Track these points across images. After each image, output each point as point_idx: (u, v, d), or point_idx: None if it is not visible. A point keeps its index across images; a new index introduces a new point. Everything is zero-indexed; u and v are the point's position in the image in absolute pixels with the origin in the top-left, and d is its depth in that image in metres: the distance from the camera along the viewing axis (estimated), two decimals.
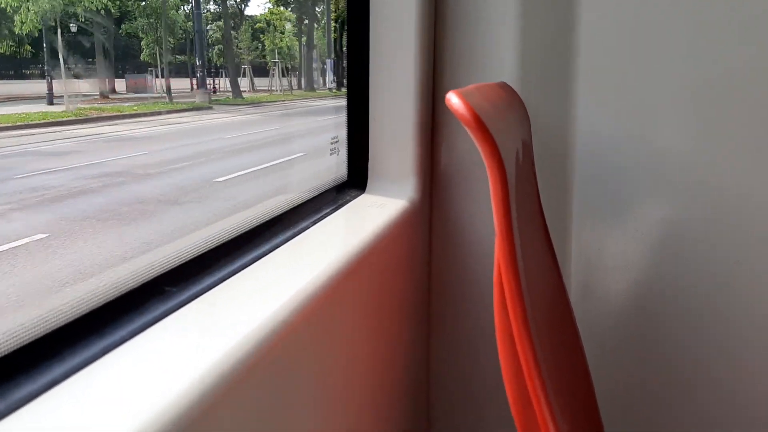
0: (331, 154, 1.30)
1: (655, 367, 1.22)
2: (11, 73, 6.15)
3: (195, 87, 10.03)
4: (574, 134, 1.19)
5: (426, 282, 1.31)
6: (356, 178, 1.22)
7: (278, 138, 8.25)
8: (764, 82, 1.09)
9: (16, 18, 5.02)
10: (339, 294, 0.84)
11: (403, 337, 1.22)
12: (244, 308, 0.71)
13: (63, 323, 0.57)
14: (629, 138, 1.17)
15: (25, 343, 0.54)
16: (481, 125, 0.63)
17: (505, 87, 1.09)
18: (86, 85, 7.05)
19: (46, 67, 5.73)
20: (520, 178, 0.85)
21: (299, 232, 0.97)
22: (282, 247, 0.90)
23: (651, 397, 1.23)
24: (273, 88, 13.70)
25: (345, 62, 1.24)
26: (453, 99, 0.64)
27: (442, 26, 1.23)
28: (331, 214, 1.08)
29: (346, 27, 1.24)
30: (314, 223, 1.00)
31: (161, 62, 8.92)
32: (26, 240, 2.96)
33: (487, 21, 1.21)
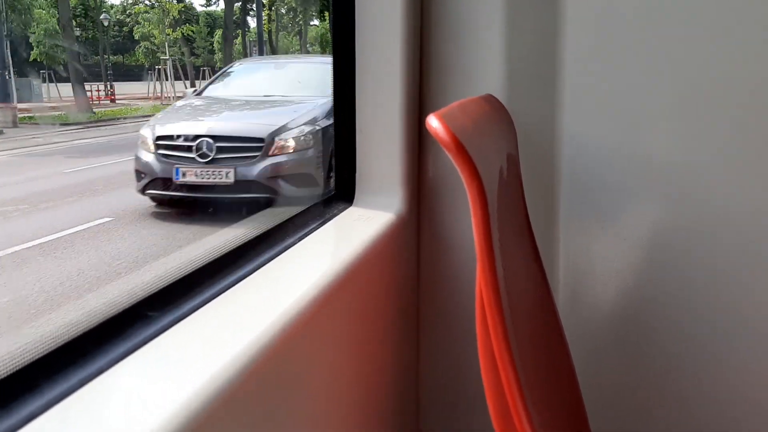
0: None
1: (643, 373, 1.23)
2: None
3: None
4: (560, 143, 1.20)
5: (414, 293, 1.31)
6: (343, 191, 1.22)
7: None
8: (749, 87, 1.09)
9: None
10: (326, 310, 0.84)
11: (392, 350, 1.22)
12: (228, 329, 0.71)
13: (40, 355, 0.57)
14: (615, 146, 1.17)
15: (2, 376, 0.54)
16: (460, 149, 0.63)
17: (490, 100, 1.09)
18: None
19: None
20: (503, 193, 0.85)
21: (286, 248, 0.97)
22: (268, 264, 0.90)
23: (640, 403, 1.23)
24: (155, 94, 10.12)
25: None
26: (433, 122, 0.64)
27: (428, 38, 1.23)
28: (318, 228, 1.08)
29: (331, 38, 1.24)
30: (301, 238, 1.01)
31: None
32: None
33: (473, 32, 1.21)
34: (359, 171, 1.22)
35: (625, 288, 1.21)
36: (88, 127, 7.28)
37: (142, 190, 4.50)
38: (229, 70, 6.82)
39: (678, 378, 1.20)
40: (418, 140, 1.25)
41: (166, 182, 4.48)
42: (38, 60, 7.70)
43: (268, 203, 4.37)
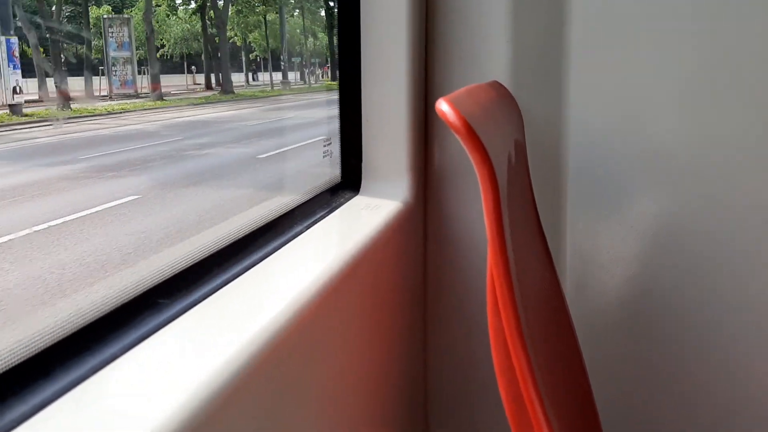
0: None
1: (650, 361, 1.23)
2: None
3: None
4: (566, 131, 1.19)
5: (421, 283, 1.31)
6: (350, 180, 1.22)
7: None
8: (755, 75, 1.08)
9: None
10: (333, 299, 0.84)
11: (400, 340, 1.22)
12: (237, 318, 0.71)
13: (53, 341, 0.57)
14: (622, 134, 1.17)
15: (17, 362, 0.54)
16: (471, 133, 0.63)
17: (497, 86, 1.09)
18: None
19: None
20: (512, 179, 0.85)
21: (293, 237, 0.96)
22: (276, 253, 0.90)
23: (648, 390, 1.23)
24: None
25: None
26: (443, 106, 0.64)
27: (433, 24, 1.23)
28: (325, 217, 1.07)
29: (336, 27, 1.23)
30: (308, 227, 1.00)
31: None
32: None
33: (479, 19, 1.20)
34: (365, 159, 1.22)
35: (632, 276, 1.20)
36: None
37: None
38: None
39: (685, 365, 1.20)
40: (424, 128, 1.25)
41: None
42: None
43: None
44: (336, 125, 1.23)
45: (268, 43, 14.48)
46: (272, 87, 14.16)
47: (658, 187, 1.17)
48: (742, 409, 1.18)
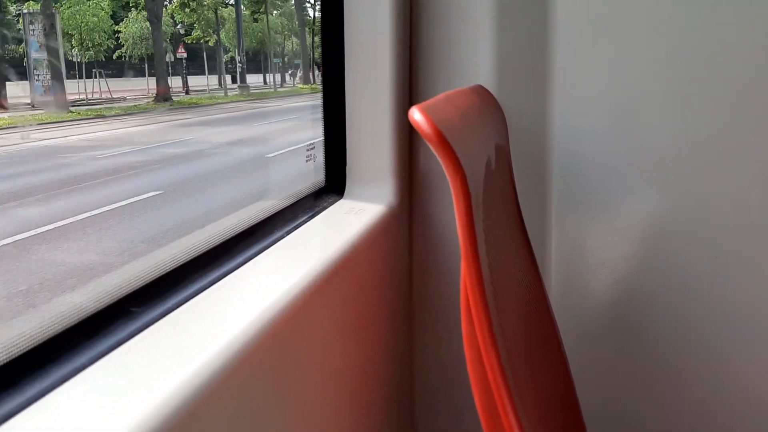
0: None
1: (637, 363, 1.23)
2: None
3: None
4: (551, 134, 1.19)
5: (407, 287, 1.31)
6: (334, 183, 1.22)
7: None
8: (742, 79, 1.08)
9: None
10: (316, 304, 0.84)
11: (385, 343, 1.22)
12: (213, 324, 0.71)
13: (21, 352, 0.57)
14: (608, 136, 1.16)
15: None
16: (443, 142, 0.62)
17: (479, 91, 1.08)
18: None
19: None
20: (491, 185, 0.85)
21: (274, 242, 0.96)
22: (256, 258, 0.90)
23: (633, 391, 1.23)
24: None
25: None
26: (416, 115, 0.63)
27: (417, 29, 1.22)
28: (308, 221, 1.07)
29: (320, 29, 1.23)
30: (290, 232, 1.00)
31: None
32: None
33: (462, 23, 1.20)
34: (350, 163, 1.21)
35: (618, 279, 1.20)
36: None
37: None
38: None
39: (671, 368, 1.20)
40: (409, 132, 1.25)
41: None
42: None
43: None
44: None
45: (241, 44, 13.58)
46: (226, 92, 12.38)
47: (644, 190, 1.17)
48: (727, 410, 1.18)
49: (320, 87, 1.25)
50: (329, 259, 0.90)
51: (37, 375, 0.55)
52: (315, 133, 1.27)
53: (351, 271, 0.98)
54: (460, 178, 0.63)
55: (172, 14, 11.15)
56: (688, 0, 1.08)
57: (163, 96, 9.03)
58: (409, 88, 1.24)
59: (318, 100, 1.24)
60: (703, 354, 1.17)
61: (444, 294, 1.29)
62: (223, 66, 13.88)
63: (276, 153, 6.98)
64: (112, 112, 8.42)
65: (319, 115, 1.24)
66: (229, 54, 14.40)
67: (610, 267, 1.20)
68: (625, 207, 1.18)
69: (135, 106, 8.93)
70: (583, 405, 1.11)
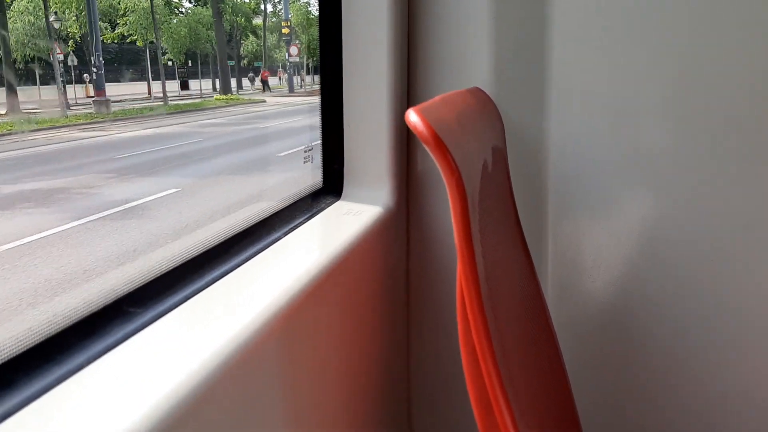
0: None
1: (633, 365, 1.23)
2: None
3: None
4: (548, 135, 1.20)
5: (404, 288, 1.31)
6: (331, 185, 1.22)
7: None
8: (737, 82, 1.09)
9: None
10: (313, 304, 0.84)
11: (382, 343, 1.22)
12: (210, 324, 0.71)
13: (18, 352, 0.57)
14: (604, 139, 1.17)
15: None
16: (439, 143, 0.63)
17: (477, 93, 1.09)
18: None
19: None
20: (487, 187, 0.85)
21: (272, 243, 0.96)
22: (253, 258, 0.90)
23: (629, 393, 1.24)
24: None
25: None
26: (412, 117, 0.64)
27: (415, 31, 1.23)
28: (306, 222, 1.07)
29: (318, 32, 1.23)
30: (287, 233, 1.00)
31: None
32: None
33: (460, 26, 1.20)
34: (347, 165, 1.22)
35: (615, 281, 1.21)
36: None
37: None
38: None
39: (668, 369, 1.20)
40: (406, 134, 1.25)
41: None
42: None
43: None
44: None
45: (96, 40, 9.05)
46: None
47: (640, 192, 1.17)
48: (724, 411, 1.18)
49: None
50: (327, 259, 0.90)
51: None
52: None
53: (348, 272, 0.98)
54: (455, 179, 0.63)
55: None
56: (685, 2, 1.09)
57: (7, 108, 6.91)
58: (407, 90, 1.24)
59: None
60: (699, 355, 1.17)
61: (440, 295, 1.30)
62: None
63: None
64: None
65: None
66: (167, 56, 11.75)
67: (606, 268, 1.21)
68: (622, 208, 1.19)
69: None
70: (579, 405, 1.11)
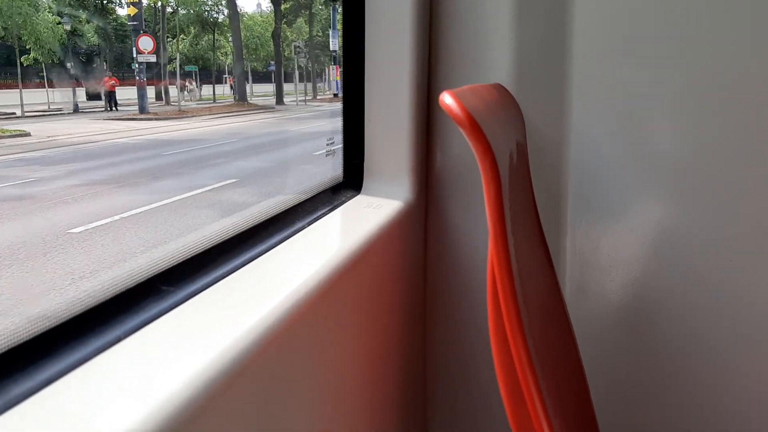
0: None
1: (649, 365, 1.23)
2: None
3: None
4: (568, 134, 1.20)
5: (421, 282, 1.32)
6: (352, 179, 1.23)
7: None
8: (758, 83, 1.09)
9: None
10: (334, 295, 0.84)
11: (399, 338, 1.23)
12: (238, 308, 0.71)
13: (59, 322, 0.57)
14: (623, 138, 1.18)
15: (22, 341, 0.54)
16: (474, 125, 0.63)
17: (499, 88, 1.10)
18: None
19: None
20: (513, 179, 0.86)
21: (295, 233, 0.97)
22: (278, 247, 0.91)
23: (645, 393, 1.24)
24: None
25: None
26: (447, 99, 0.64)
27: (437, 26, 1.24)
28: (327, 214, 1.08)
29: (341, 27, 1.25)
30: (310, 223, 1.01)
31: None
32: None
33: (481, 22, 1.21)
34: (367, 159, 1.22)
35: (632, 280, 1.21)
36: None
37: None
38: None
39: (683, 369, 1.20)
40: (426, 128, 1.26)
41: None
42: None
43: None
44: None
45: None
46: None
47: (658, 191, 1.17)
48: (741, 409, 1.18)
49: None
50: (348, 251, 0.91)
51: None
52: None
53: (368, 264, 0.99)
54: (490, 161, 0.64)
55: None
56: (705, 6, 1.10)
57: None
58: (428, 86, 1.25)
59: None
60: (714, 356, 1.17)
61: (458, 289, 1.30)
62: None
63: None
64: None
65: None
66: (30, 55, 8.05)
67: (624, 267, 1.21)
68: (640, 209, 1.19)
69: None
70: (596, 402, 1.11)
